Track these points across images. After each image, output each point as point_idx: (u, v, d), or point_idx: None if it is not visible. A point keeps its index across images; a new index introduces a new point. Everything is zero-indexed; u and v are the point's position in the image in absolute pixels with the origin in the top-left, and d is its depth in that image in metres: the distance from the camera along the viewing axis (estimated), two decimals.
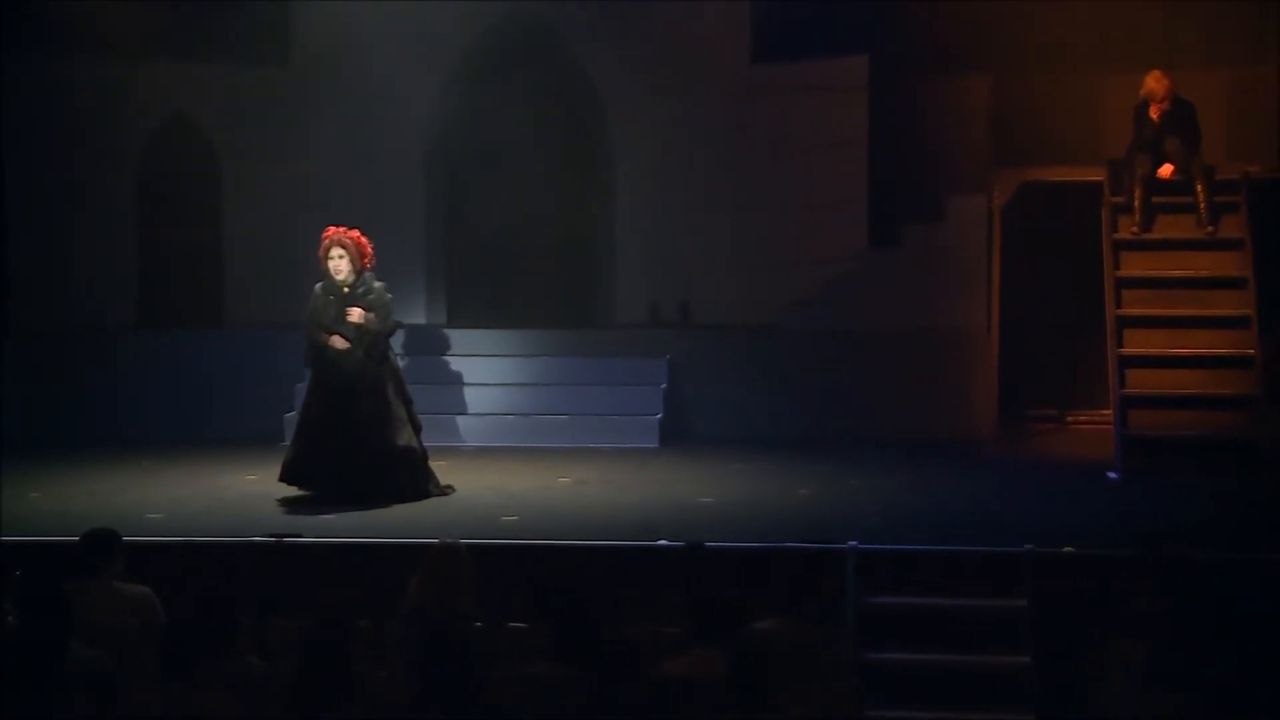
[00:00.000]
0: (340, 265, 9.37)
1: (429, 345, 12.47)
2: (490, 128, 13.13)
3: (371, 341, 9.37)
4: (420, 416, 9.65)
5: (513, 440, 11.83)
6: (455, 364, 12.37)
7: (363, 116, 13.01)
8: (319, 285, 9.46)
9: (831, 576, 7.55)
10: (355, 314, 9.35)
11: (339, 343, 9.34)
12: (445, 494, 9.56)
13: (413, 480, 9.44)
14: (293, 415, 11.78)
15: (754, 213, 12.87)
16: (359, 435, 9.29)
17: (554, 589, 6.34)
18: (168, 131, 13.26)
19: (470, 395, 12.19)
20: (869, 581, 7.71)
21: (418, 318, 12.91)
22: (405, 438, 9.42)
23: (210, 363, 12.53)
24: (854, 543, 7.77)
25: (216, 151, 13.25)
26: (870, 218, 12.60)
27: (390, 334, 9.51)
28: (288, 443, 11.40)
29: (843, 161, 12.62)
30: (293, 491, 9.48)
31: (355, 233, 9.46)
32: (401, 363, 9.98)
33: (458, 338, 12.64)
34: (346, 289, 9.38)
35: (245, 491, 9.85)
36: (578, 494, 9.85)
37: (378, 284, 9.51)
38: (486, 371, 12.34)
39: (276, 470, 9.78)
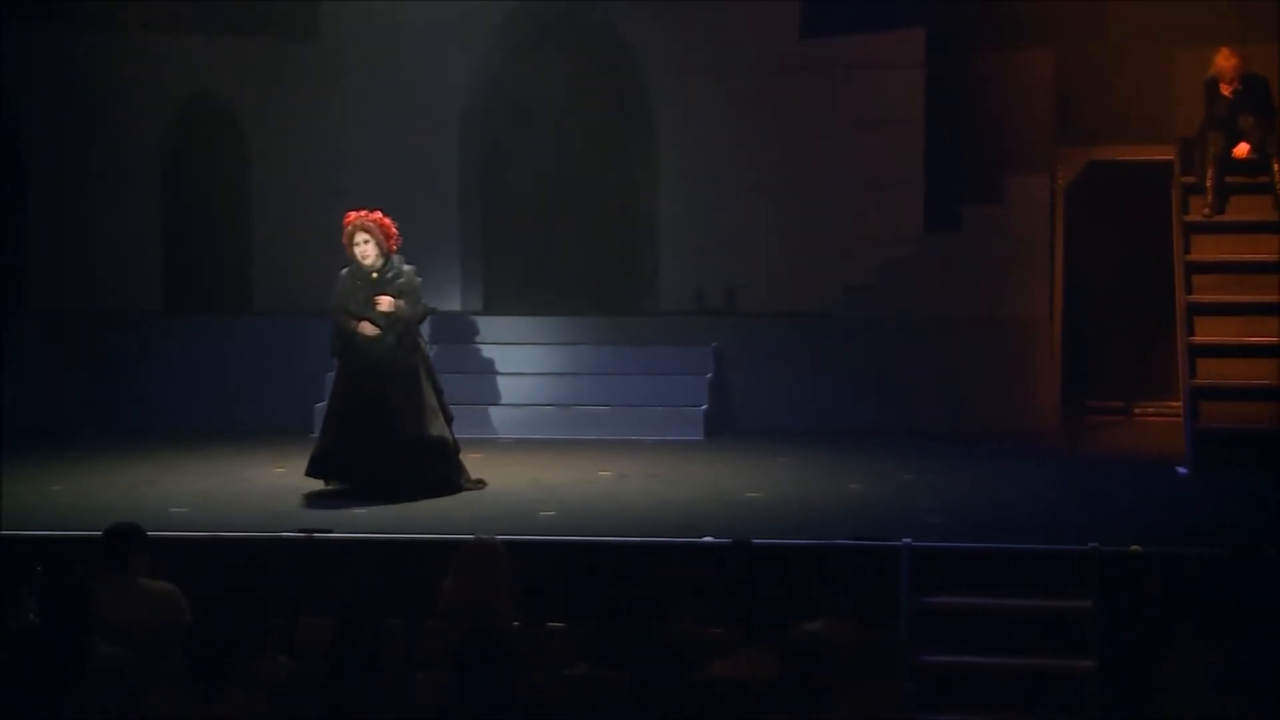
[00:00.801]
0: (367, 251, 9.38)
1: (463, 332, 12.49)
2: (528, 107, 13.12)
3: (403, 329, 9.39)
4: (452, 407, 9.67)
5: (551, 432, 11.83)
6: (490, 352, 12.38)
7: (396, 92, 13.03)
8: (345, 271, 9.48)
9: (885, 575, 7.52)
10: (385, 302, 9.36)
11: (368, 329, 9.36)
12: (477, 488, 9.58)
13: (445, 472, 9.45)
14: (323, 405, 11.84)
15: (804, 194, 12.81)
16: (390, 425, 9.30)
17: (594, 588, 6.34)
18: (193, 109, 13.32)
19: (506, 385, 12.20)
20: (924, 581, 7.67)
21: (452, 304, 12.92)
22: (437, 428, 9.44)
23: (238, 350, 12.58)
24: (908, 540, 7.74)
25: (244, 129, 13.30)
26: (926, 199, 12.53)
27: (421, 319, 9.53)
28: (317, 434, 11.48)
29: (898, 140, 12.55)
30: (322, 485, 9.51)
31: (377, 214, 9.45)
32: (432, 351, 9.99)
33: (493, 325, 12.65)
34: (375, 274, 9.40)
35: (274, 485, 9.89)
36: (619, 488, 9.84)
37: (407, 267, 9.52)
38: (523, 360, 12.35)
39: (304, 463, 9.81)
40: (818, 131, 12.73)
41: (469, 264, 13.34)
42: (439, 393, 9.57)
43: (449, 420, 9.58)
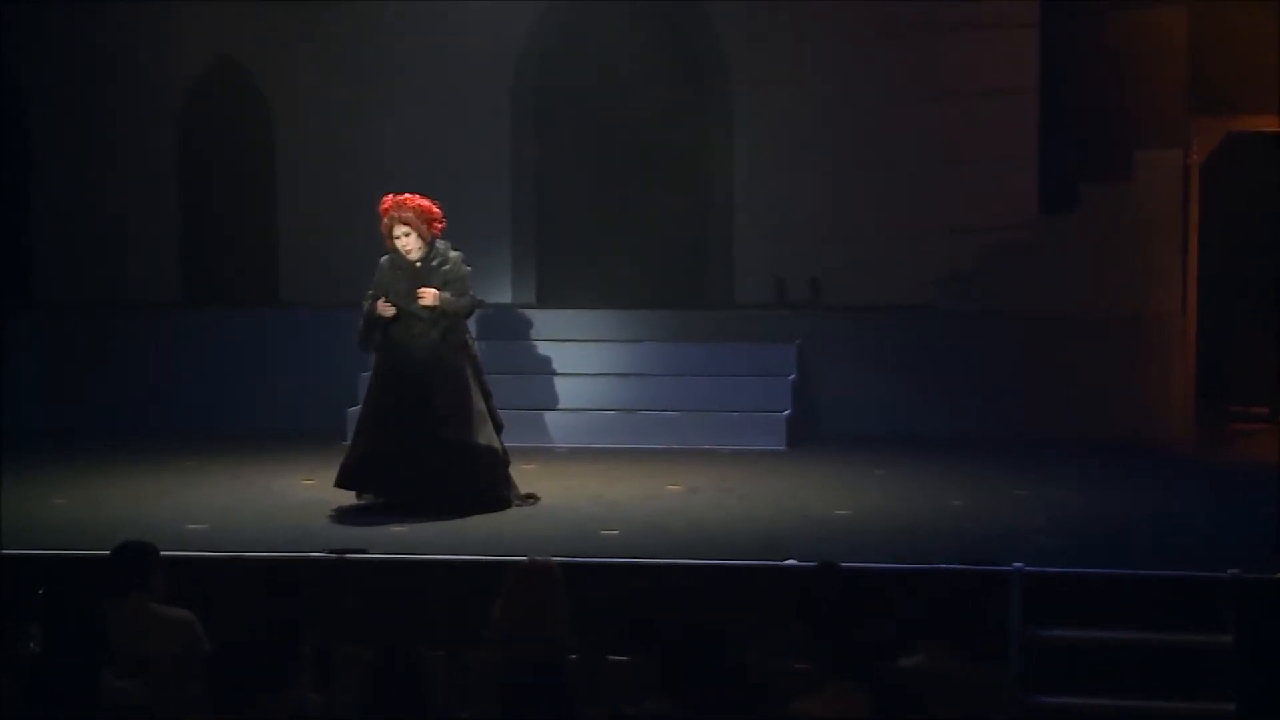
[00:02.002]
0: (409, 243, 9.41)
1: (515, 328, 12.52)
2: (588, 76, 13.14)
3: (449, 324, 9.41)
4: (502, 413, 9.69)
5: (613, 440, 11.84)
6: (545, 350, 12.41)
7: (441, 61, 13.07)
8: (385, 259, 9.52)
9: (992, 604, 7.48)
10: (428, 295, 9.38)
11: (385, 309, 9.36)
12: (529, 504, 9.59)
13: (493, 485, 9.47)
14: (356, 409, 11.89)
15: (900, 172, 12.76)
16: (432, 432, 9.32)
17: (662, 615, 6.33)
18: (212, 79, 13.43)
19: (563, 387, 12.22)
20: (1037, 611, 7.63)
21: (502, 296, 12.96)
22: (485, 436, 9.45)
23: (262, 347, 12.67)
24: (1019, 565, 7.69)
25: (269, 102, 13.39)
26: (1041, 178, 12.46)
27: (469, 313, 9.55)
28: (349, 441, 11.54)
29: (1008, 111, 12.48)
30: (354, 498, 9.55)
31: (414, 199, 9.45)
32: (479, 348, 10.02)
33: (548, 320, 12.67)
34: (419, 264, 9.43)
35: (302, 498, 9.95)
36: (690, 504, 9.84)
37: (454, 253, 9.54)
38: (582, 359, 12.36)
39: (335, 474, 9.86)
40: (916, 101, 12.67)
41: (521, 251, 13.37)
42: (488, 396, 9.58)
43: (499, 428, 9.59)
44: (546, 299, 13.34)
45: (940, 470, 10.79)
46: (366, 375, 11.98)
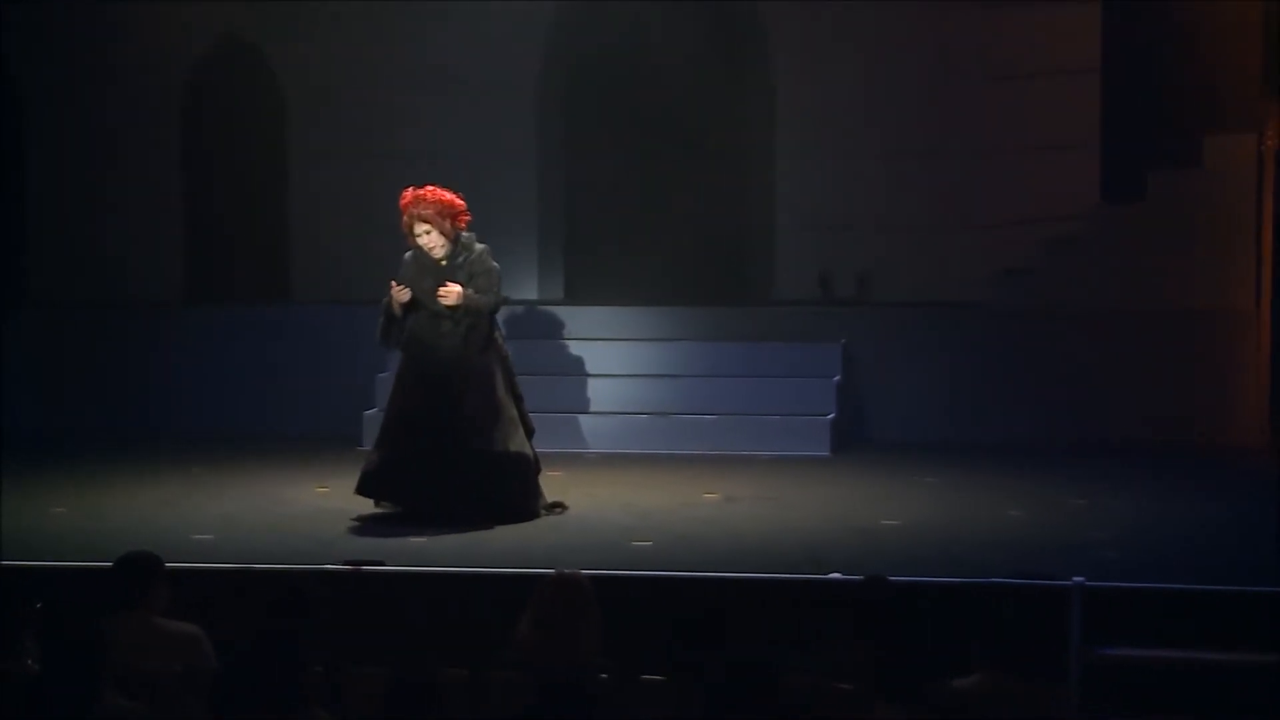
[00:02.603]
0: (431, 241, 9.40)
1: (540, 326, 12.54)
2: (618, 59, 13.15)
3: (474, 321, 9.41)
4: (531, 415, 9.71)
5: (645, 446, 11.85)
6: (574, 350, 12.42)
7: (462, 43, 13.10)
8: (409, 254, 9.52)
9: (1051, 621, 7.45)
10: (452, 293, 9.37)
11: (399, 294, 9.36)
12: (556, 513, 9.61)
13: (523, 495, 9.48)
14: (374, 413, 11.94)
15: (953, 159, 12.74)
16: (459, 438, 9.33)
17: (698, 633, 6.33)
18: (217, 59, 13.47)
19: (592, 389, 12.23)
20: (1100, 629, 7.60)
21: (528, 292, 12.99)
22: (516, 442, 9.46)
23: (273, 347, 12.72)
24: (1080, 579, 7.68)
25: (280, 85, 13.43)
26: (1103, 165, 12.44)
27: (495, 309, 9.55)
28: (367, 447, 11.55)
29: (1068, 93, 12.46)
30: (373, 508, 9.58)
31: (435, 192, 9.41)
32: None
33: (577, 317, 12.69)
34: (444, 261, 9.43)
35: (315, 507, 9.98)
36: (727, 514, 9.84)
37: (479, 245, 9.54)
38: (613, 359, 12.37)
39: (352, 481, 9.87)
40: (970, 83, 12.65)
41: (548, 244, 13.39)
42: (519, 400, 9.59)
43: (530, 433, 9.60)
44: (575, 295, 13.36)
45: (996, 478, 10.77)
46: (384, 376, 12.06)
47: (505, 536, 9.14)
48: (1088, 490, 10.30)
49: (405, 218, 9.42)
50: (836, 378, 12.19)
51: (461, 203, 9.47)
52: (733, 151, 13.28)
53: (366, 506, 9.61)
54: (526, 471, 9.49)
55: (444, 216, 9.39)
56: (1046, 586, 7.63)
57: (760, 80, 13.13)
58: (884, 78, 12.79)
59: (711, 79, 13.19)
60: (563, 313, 12.76)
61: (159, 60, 13.33)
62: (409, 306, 9.46)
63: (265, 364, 12.68)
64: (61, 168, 13.38)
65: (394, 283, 9.43)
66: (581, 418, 12.07)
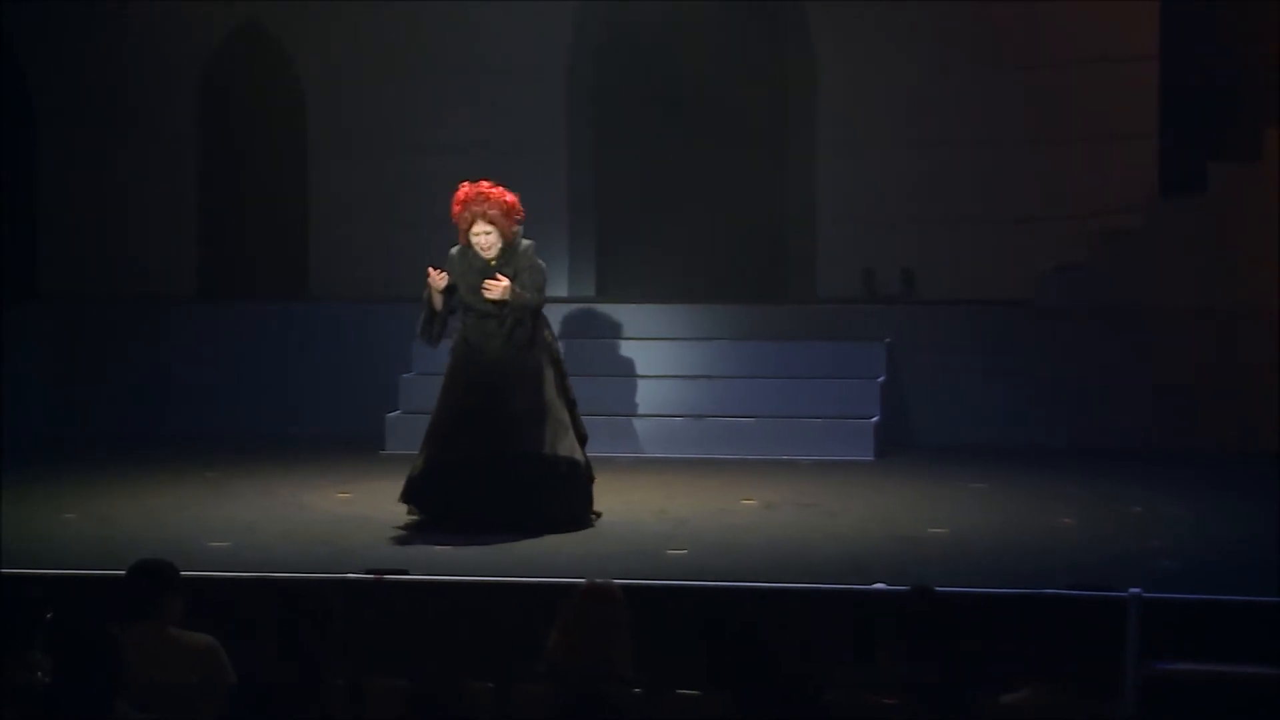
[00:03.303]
0: (489, 242, 9.39)
1: (571, 325, 12.54)
2: (651, 45, 13.14)
3: (519, 318, 9.41)
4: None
5: (680, 450, 11.85)
6: (605, 349, 12.43)
7: (488, 28, 13.10)
8: (455, 250, 9.52)
9: (1106, 634, 7.44)
10: (497, 288, 9.34)
11: (436, 279, 9.35)
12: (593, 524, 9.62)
13: (575, 502, 9.49)
14: (398, 415, 11.96)
15: (1002, 149, 12.71)
16: (505, 439, 9.34)
17: (735, 645, 6.33)
18: (237, 47, 13.50)
19: (625, 390, 12.23)
20: (1157, 642, 7.58)
21: (558, 289, 12.95)
22: (566, 446, 9.46)
23: (292, 346, 12.74)
24: (1136, 590, 7.66)
25: (300, 74, 13.45)
26: (1161, 157, 12.39)
27: (539, 307, 9.55)
28: (391, 450, 11.56)
29: (1124, 80, 12.41)
30: (399, 514, 9.60)
31: (499, 191, 9.39)
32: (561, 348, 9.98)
33: (609, 315, 12.69)
34: (494, 262, 9.44)
35: (336, 513, 10.00)
36: (766, 521, 9.84)
37: (525, 241, 9.54)
38: (647, 359, 12.37)
39: (375, 485, 9.92)
40: (1022, 69, 12.61)
41: (578, 239, 13.40)
42: (571, 404, 9.60)
43: (583, 439, 9.60)
44: (607, 292, 13.35)
45: (1047, 483, 10.75)
46: (409, 377, 12.10)
47: (534, 545, 9.14)
48: (1144, 496, 10.27)
49: (465, 213, 9.39)
50: (880, 378, 12.17)
51: (517, 200, 9.47)
52: (772, 142, 13.26)
53: (390, 513, 9.63)
54: (577, 477, 9.49)
55: (507, 217, 9.41)
56: (1101, 598, 7.62)
57: (801, 68, 13.11)
58: (933, 65, 12.76)
59: (750, 67, 13.17)
60: (594, 310, 12.76)
61: (175, 48, 13.36)
62: (451, 302, 9.46)
63: (284, 363, 12.70)
64: (73, 158, 13.42)
65: (431, 269, 9.44)
66: (613, 420, 12.05)
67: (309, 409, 12.54)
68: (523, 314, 9.42)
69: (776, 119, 13.27)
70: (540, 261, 9.53)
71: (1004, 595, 7.73)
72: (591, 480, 9.59)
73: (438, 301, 9.49)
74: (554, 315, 12.35)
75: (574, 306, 12.76)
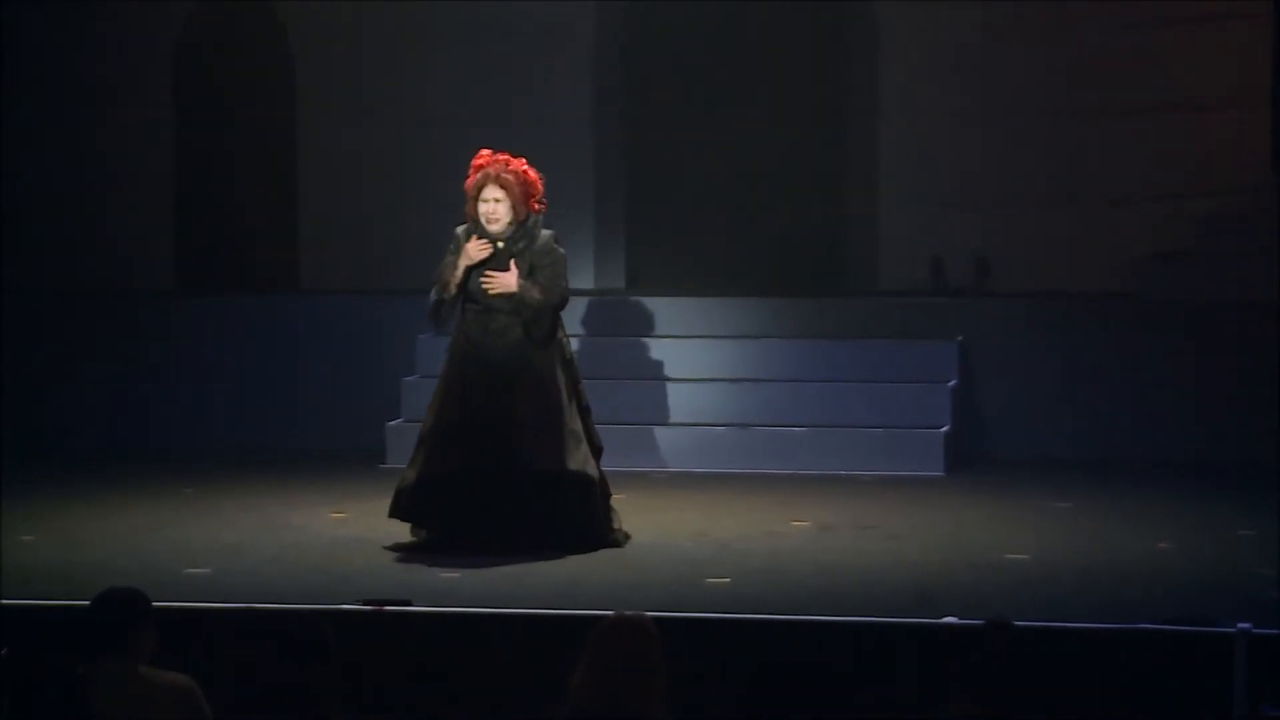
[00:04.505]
0: (496, 211, 9.40)
1: (599, 321, 12.55)
2: (688, 9, 13.12)
3: (533, 317, 9.41)
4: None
5: (722, 464, 11.85)
6: (637, 349, 12.43)
7: None
8: (461, 229, 9.54)
9: (1211, 673, 7.42)
10: (502, 281, 9.35)
11: (476, 251, 9.32)
12: (618, 543, 9.62)
13: (589, 522, 9.49)
14: (400, 424, 11.97)
15: (1090, 121, 12.70)
16: (508, 453, 9.35)
17: (784, 683, 6.33)
18: (217, 7, 13.52)
19: (660, 396, 12.23)
20: (1268, 683, 7.55)
21: (584, 281, 13.00)
22: (577, 460, 9.47)
23: (281, 346, 12.76)
24: (1245, 626, 7.63)
25: (290, 42, 13.47)
26: (1275, 129, 12.34)
27: (559, 306, 9.55)
28: (391, 464, 11.56)
29: (1232, 42, 12.37)
30: (401, 535, 9.61)
31: (520, 163, 9.44)
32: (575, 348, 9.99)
33: (641, 310, 12.69)
34: (501, 242, 9.45)
35: (330, 535, 10.01)
36: (820, 545, 9.83)
37: (545, 232, 9.54)
38: (684, 360, 12.37)
39: (377, 503, 9.90)
40: (1114, 30, 12.59)
41: (607, 225, 13.41)
42: (585, 412, 9.61)
43: (597, 451, 9.61)
44: (639, 284, 13.36)
45: (1142, 503, 10.73)
46: (411, 380, 12.10)
47: (554, 571, 9.14)
48: (1254, 518, 10.21)
49: (478, 176, 9.43)
50: (952, 382, 12.15)
51: (541, 186, 9.48)
52: (827, 114, 13.25)
53: (391, 535, 9.64)
54: (589, 494, 9.50)
55: (522, 190, 9.41)
56: (1204, 634, 7.59)
57: (862, 32, 13.09)
58: (1006, 25, 12.74)
59: (801, 30, 13.16)
60: (623, 304, 12.76)
61: (150, 13, 13.39)
62: (461, 293, 9.47)
63: (272, 366, 12.72)
64: (39, 137, 13.44)
65: (475, 238, 9.39)
66: (646, 429, 12.06)
67: (299, 417, 12.56)
68: (538, 314, 9.40)
69: (832, 88, 13.25)
70: (560, 250, 9.52)
71: (1092, 630, 7.69)
72: (608, 497, 9.61)
73: (455, 282, 9.46)
74: (575, 310, 12.40)
75: (600, 299, 12.76)
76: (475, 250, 9.42)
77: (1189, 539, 9.81)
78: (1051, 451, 12.02)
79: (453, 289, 9.47)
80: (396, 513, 9.55)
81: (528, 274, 9.42)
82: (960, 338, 12.32)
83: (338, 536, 9.94)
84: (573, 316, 12.31)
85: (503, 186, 9.39)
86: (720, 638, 7.83)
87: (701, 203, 13.37)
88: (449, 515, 9.43)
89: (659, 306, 12.71)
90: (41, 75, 13.40)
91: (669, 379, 12.31)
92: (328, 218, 13.40)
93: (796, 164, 13.24)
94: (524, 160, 9.50)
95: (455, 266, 9.44)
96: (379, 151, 13.17)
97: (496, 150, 9.53)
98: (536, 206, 9.51)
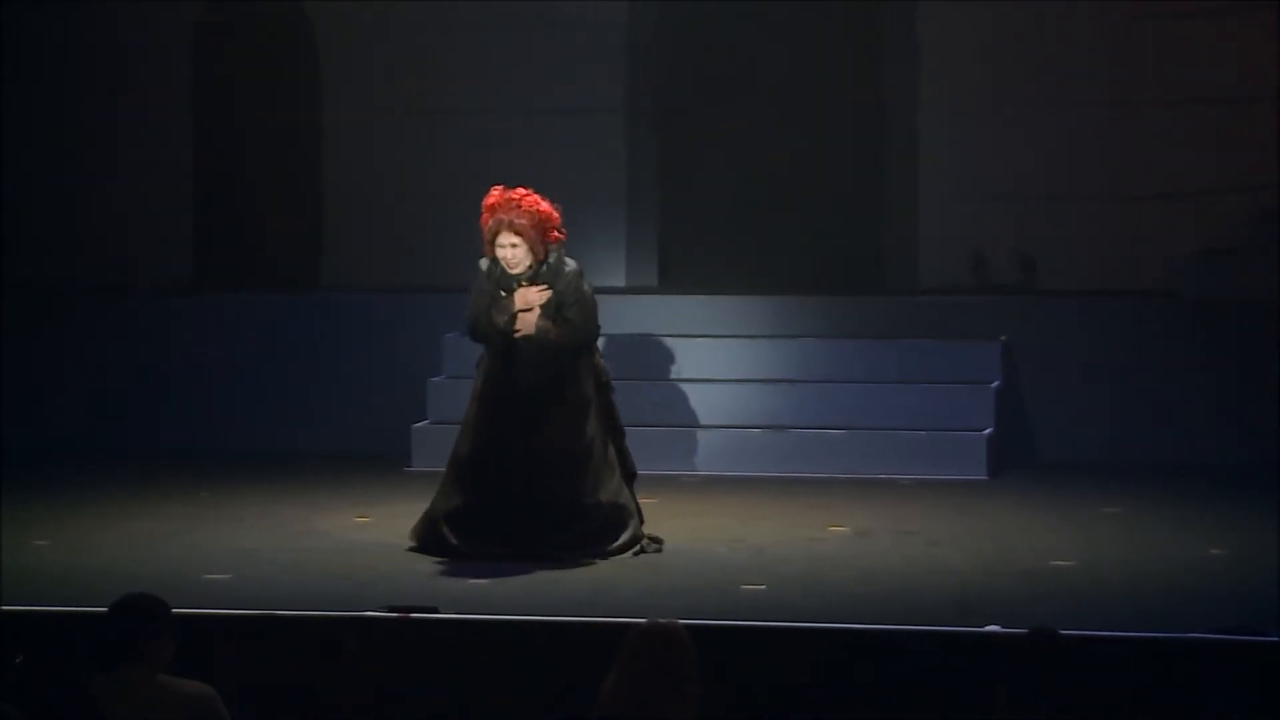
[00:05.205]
0: (515, 256, 9.36)
1: (629, 320, 12.53)
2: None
3: (552, 357, 9.40)
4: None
5: (758, 467, 11.85)
6: (670, 349, 12.43)
7: None
8: (485, 261, 9.52)
9: (1264, 685, 7.39)
10: (527, 321, 9.31)
11: (525, 302, 9.31)
12: (649, 550, 9.63)
13: (619, 543, 9.51)
14: (424, 426, 11.99)
15: (1138, 111, 12.67)
16: (545, 486, 9.38)
17: (822, 694, 6.33)
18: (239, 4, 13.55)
19: (693, 397, 12.23)
20: None
21: (614, 279, 13.00)
22: (610, 490, 9.49)
23: (301, 343, 12.77)
24: None
25: (314, 31, 13.47)
26: None
27: (584, 345, 9.54)
28: (416, 467, 11.58)
29: None
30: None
31: (532, 199, 9.37)
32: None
33: (674, 308, 12.70)
34: (524, 283, 9.44)
35: (352, 539, 10.03)
36: (858, 551, 9.83)
37: (570, 264, 9.50)
38: (715, 360, 12.37)
39: (402, 507, 9.92)
40: (1160, 14, 12.55)
41: (638, 220, 13.40)
42: (619, 436, 9.62)
43: (630, 476, 9.63)
44: (671, 282, 13.35)
45: (1192, 509, 10.71)
46: (438, 381, 12.12)
47: (585, 578, 9.15)
48: None
49: (491, 221, 9.38)
50: (995, 384, 12.13)
51: (558, 215, 9.46)
52: (864, 104, 13.23)
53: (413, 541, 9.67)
54: (622, 522, 9.52)
55: (538, 231, 9.37)
56: (1258, 643, 7.57)
57: (899, 17, 13.07)
58: (1051, 11, 12.70)
59: (840, 23, 13.13)
60: (655, 303, 12.76)
61: (168, 1, 13.40)
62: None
63: (293, 365, 12.73)
64: (46, 124, 13.46)
65: (514, 297, 9.35)
66: (679, 432, 12.06)
67: (321, 418, 12.57)
68: (560, 351, 9.39)
69: (870, 78, 13.22)
70: (589, 289, 9.50)
71: (1141, 640, 7.69)
72: (641, 523, 9.63)
73: (499, 322, 9.43)
74: (604, 308, 12.37)
75: (631, 299, 12.76)
76: (536, 296, 9.38)
77: (1242, 545, 9.79)
78: (1098, 455, 12.00)
79: (505, 332, 9.39)
80: (420, 544, 9.56)
81: (555, 309, 9.41)
82: (1004, 337, 12.30)
83: (361, 541, 9.95)
84: (602, 315, 12.30)
85: (517, 232, 9.34)
86: (755, 646, 7.83)
87: (736, 198, 13.35)
88: (479, 545, 9.42)
89: (692, 305, 12.71)
90: (56, 65, 13.41)
91: (702, 380, 12.30)
92: (351, 212, 13.40)
93: (834, 158, 13.22)
94: (534, 196, 9.40)
95: (503, 310, 9.37)
96: (405, 145, 13.17)
97: (508, 187, 9.43)
98: (556, 236, 9.48)
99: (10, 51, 13.39)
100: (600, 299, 9.71)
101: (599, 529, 9.47)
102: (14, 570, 9.12)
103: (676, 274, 13.44)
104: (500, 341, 9.43)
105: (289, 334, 12.83)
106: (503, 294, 9.42)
